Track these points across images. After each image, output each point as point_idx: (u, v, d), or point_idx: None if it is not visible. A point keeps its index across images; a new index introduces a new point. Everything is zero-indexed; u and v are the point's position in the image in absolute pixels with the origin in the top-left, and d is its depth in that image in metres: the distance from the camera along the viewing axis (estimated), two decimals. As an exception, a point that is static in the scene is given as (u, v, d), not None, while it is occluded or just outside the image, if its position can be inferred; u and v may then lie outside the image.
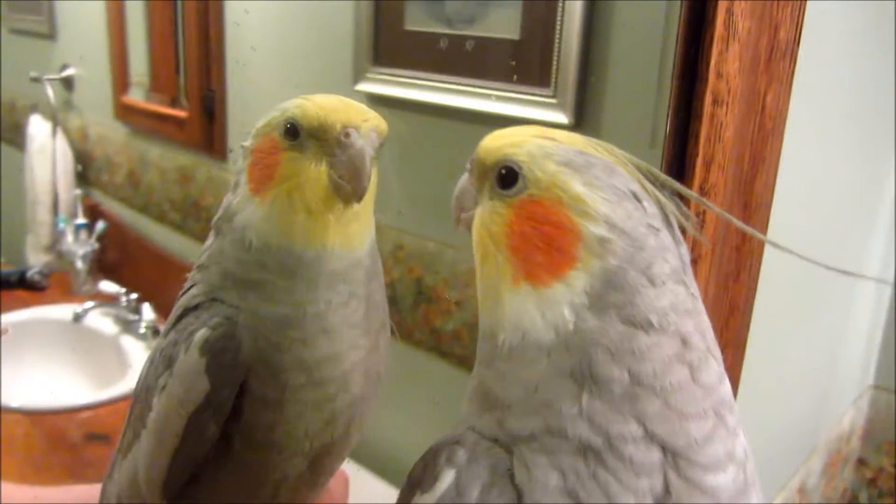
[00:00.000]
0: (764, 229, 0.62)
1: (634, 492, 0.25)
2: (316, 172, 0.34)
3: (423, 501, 0.28)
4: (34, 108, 1.77)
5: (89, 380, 1.39)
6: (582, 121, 0.79)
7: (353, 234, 0.36)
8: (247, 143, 0.37)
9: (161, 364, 0.37)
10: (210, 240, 0.38)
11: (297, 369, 0.36)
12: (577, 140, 0.30)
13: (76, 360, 1.43)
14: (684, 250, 0.28)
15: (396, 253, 0.99)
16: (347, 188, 0.34)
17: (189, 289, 0.39)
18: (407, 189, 0.99)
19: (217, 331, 0.36)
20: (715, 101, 0.48)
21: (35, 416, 1.16)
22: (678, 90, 0.50)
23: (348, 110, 0.35)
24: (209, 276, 0.37)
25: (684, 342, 0.26)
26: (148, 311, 1.37)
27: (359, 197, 0.34)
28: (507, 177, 0.29)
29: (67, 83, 1.73)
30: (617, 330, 0.26)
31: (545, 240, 0.27)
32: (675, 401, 0.26)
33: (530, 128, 0.31)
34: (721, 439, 0.27)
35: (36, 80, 1.69)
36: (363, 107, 0.37)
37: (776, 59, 0.53)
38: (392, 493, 0.97)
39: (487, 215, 0.30)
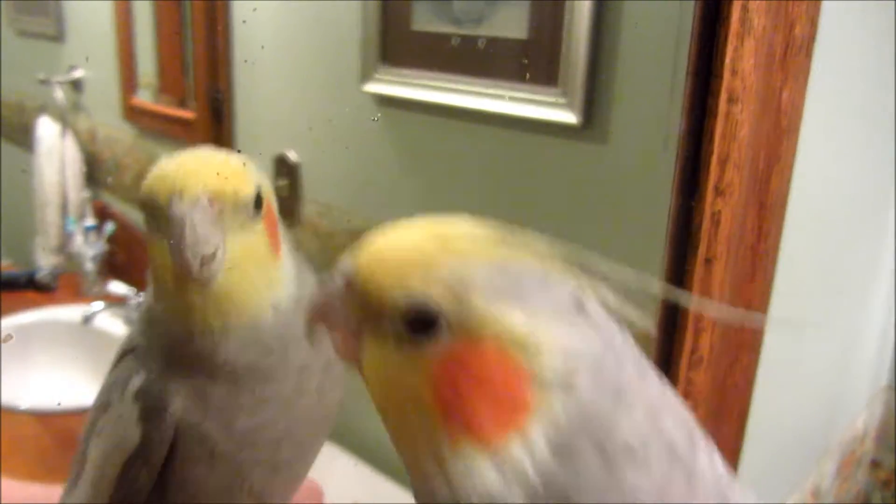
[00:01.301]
0: (779, 230, 0.61)
1: None
2: (163, 253, 0.30)
3: None
4: (42, 110, 1.77)
5: (98, 381, 1.38)
6: (591, 121, 0.78)
7: (235, 314, 0.31)
8: None
9: (99, 409, 0.37)
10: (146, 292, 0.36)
11: (225, 437, 0.34)
12: (489, 245, 0.24)
13: (85, 362, 1.43)
14: (628, 336, 0.24)
15: (405, 254, 0.99)
16: (179, 266, 0.29)
17: (132, 333, 0.38)
18: (414, 189, 0.99)
19: (151, 378, 0.34)
20: (730, 99, 0.47)
21: (44, 418, 1.16)
22: (692, 88, 0.49)
23: (175, 175, 0.30)
24: (145, 328, 0.36)
25: (671, 448, 0.23)
26: (156, 313, 1.37)
27: (194, 275, 0.29)
28: (420, 323, 0.23)
29: (75, 85, 1.73)
30: (598, 471, 0.22)
31: (487, 390, 0.22)
32: None
33: (420, 235, 0.24)
34: None
35: (44, 82, 1.69)
36: (206, 166, 0.31)
37: (792, 55, 0.52)
38: (397, 491, 0.97)
39: (396, 365, 0.24)
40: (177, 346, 0.32)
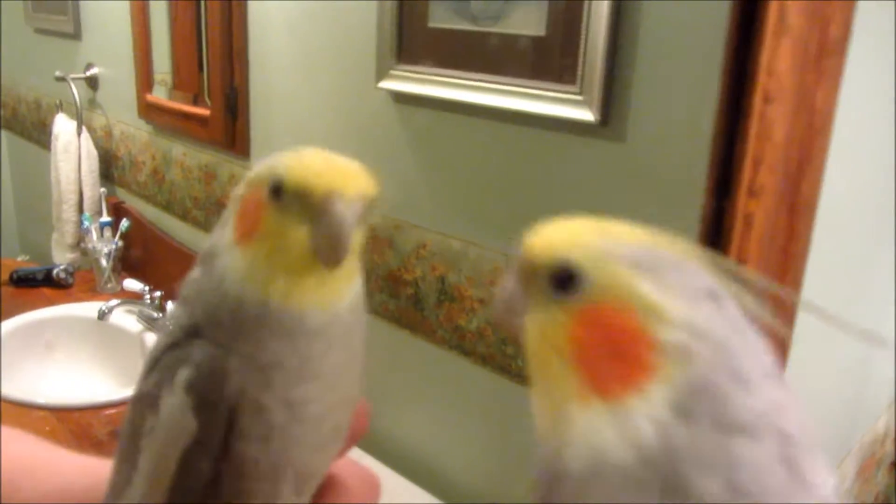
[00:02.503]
0: (809, 232, 0.60)
1: None
2: (297, 234, 0.33)
3: None
4: (59, 108, 1.78)
5: (114, 377, 1.39)
6: (609, 118, 0.77)
7: (332, 294, 0.35)
8: (240, 190, 0.36)
9: (146, 406, 0.37)
10: (196, 272, 0.38)
11: (281, 408, 0.36)
12: (639, 235, 0.27)
13: (101, 358, 1.44)
14: (760, 338, 0.26)
15: (419, 251, 0.98)
16: (326, 254, 0.33)
17: (171, 325, 0.38)
18: (430, 187, 0.98)
19: (201, 369, 0.35)
20: (766, 99, 0.46)
21: (60, 413, 1.17)
22: (726, 87, 0.48)
23: (334, 175, 0.34)
24: (193, 310, 0.37)
25: (784, 437, 0.24)
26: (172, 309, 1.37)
27: (336, 264, 0.34)
28: (566, 281, 0.26)
29: (92, 82, 1.74)
30: (709, 440, 0.24)
31: (616, 350, 0.25)
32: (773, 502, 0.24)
33: (585, 222, 0.28)
34: None
35: (61, 79, 1.70)
36: (353, 169, 0.35)
37: (826, 55, 0.51)
38: (414, 490, 0.97)
39: (544, 324, 0.27)
40: (266, 318, 0.34)
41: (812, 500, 0.24)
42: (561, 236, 0.27)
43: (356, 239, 0.36)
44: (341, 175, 0.34)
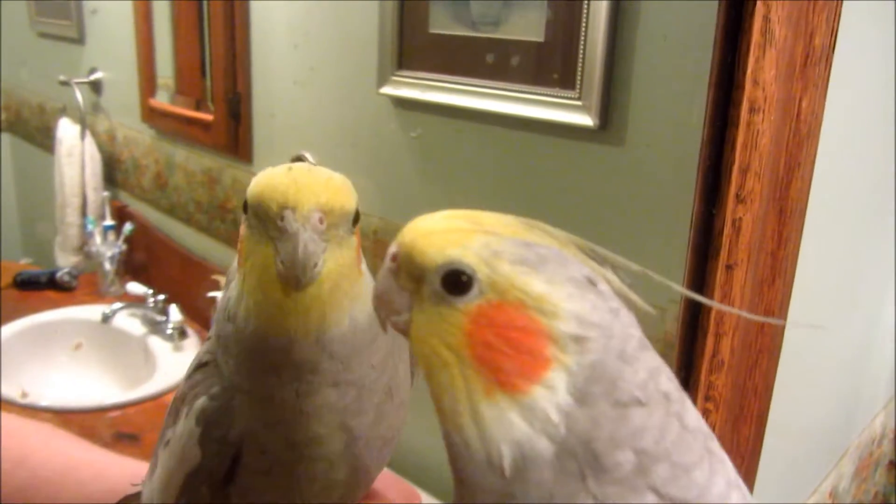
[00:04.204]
0: (798, 237, 0.61)
1: None
2: (265, 255, 0.32)
3: None
4: (63, 112, 1.79)
5: (117, 380, 1.41)
6: (608, 123, 0.78)
7: (316, 321, 0.33)
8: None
9: (171, 417, 0.38)
10: (224, 290, 0.37)
11: (285, 448, 0.35)
12: (515, 228, 0.29)
13: (104, 361, 1.45)
14: (631, 314, 0.28)
15: (422, 255, 0.99)
16: (286, 273, 0.31)
17: (210, 337, 0.39)
18: (430, 191, 1.00)
19: (214, 402, 0.35)
20: (751, 109, 0.47)
21: (64, 416, 1.18)
22: (714, 98, 0.49)
23: (288, 189, 0.31)
24: (219, 321, 0.37)
25: (666, 398, 0.27)
26: (175, 313, 1.39)
27: (297, 286, 0.31)
28: (456, 282, 0.27)
29: (95, 86, 1.75)
30: (610, 417, 0.25)
31: (513, 346, 0.26)
32: (678, 457, 0.26)
33: (455, 217, 0.28)
34: (719, 472, 0.27)
35: (65, 83, 1.71)
36: (317, 182, 0.32)
37: (811, 64, 0.52)
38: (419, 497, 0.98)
39: (436, 324, 0.27)
40: (256, 347, 0.33)
41: (697, 441, 0.27)
42: (442, 234, 0.28)
43: (340, 258, 0.33)
44: (297, 189, 0.31)
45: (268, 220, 0.32)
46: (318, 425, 0.34)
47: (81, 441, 0.52)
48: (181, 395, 0.38)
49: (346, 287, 0.34)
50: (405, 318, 0.29)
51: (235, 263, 0.36)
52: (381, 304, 0.30)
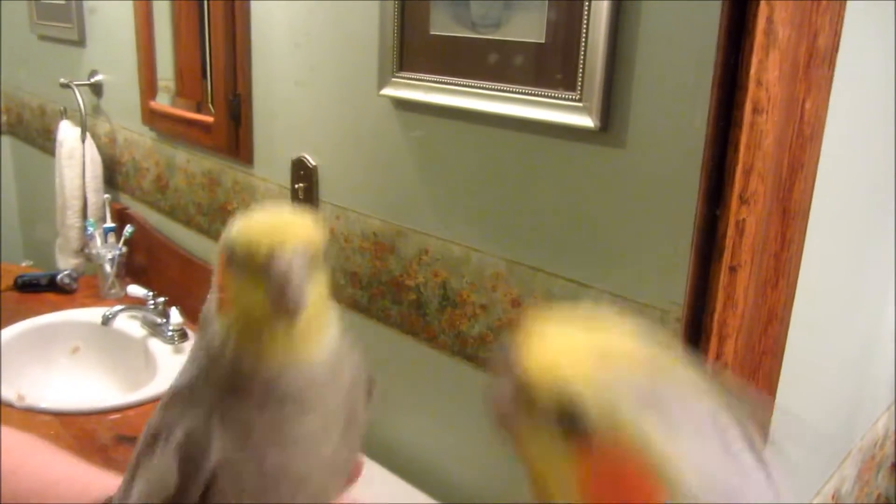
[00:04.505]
0: (801, 238, 0.61)
1: None
2: (255, 296, 0.35)
3: None
4: (63, 114, 1.79)
5: (118, 382, 1.40)
6: (609, 124, 0.78)
7: (302, 351, 0.36)
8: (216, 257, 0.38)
9: (146, 446, 0.39)
10: (198, 335, 0.39)
11: (258, 474, 0.37)
12: (638, 358, 0.27)
13: (105, 363, 1.45)
14: (772, 473, 0.27)
15: (421, 257, 0.99)
16: (279, 308, 0.34)
17: (184, 369, 0.40)
18: (431, 193, 0.99)
19: (192, 434, 0.37)
20: (755, 110, 0.47)
21: (64, 418, 1.18)
22: (717, 98, 0.49)
23: (272, 232, 0.35)
24: (199, 360, 0.39)
25: None
26: (175, 315, 1.38)
27: (292, 317, 0.34)
28: (571, 416, 0.26)
29: (96, 89, 1.75)
30: None
31: (622, 486, 0.25)
32: None
33: (582, 340, 0.27)
34: None
35: (65, 86, 1.71)
36: (294, 221, 0.35)
37: (815, 65, 0.52)
38: (416, 494, 0.98)
39: (546, 448, 0.27)
40: (242, 379, 0.35)
41: None
42: (562, 364, 0.26)
43: (317, 290, 0.35)
44: (280, 230, 0.34)
45: (256, 263, 0.34)
46: (292, 451, 0.37)
47: (65, 454, 0.52)
48: (157, 425, 0.38)
49: (323, 317, 0.36)
50: (516, 424, 0.28)
51: (211, 307, 0.37)
52: (500, 416, 0.29)
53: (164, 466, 0.37)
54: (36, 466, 0.49)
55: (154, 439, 0.39)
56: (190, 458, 0.37)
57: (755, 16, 0.45)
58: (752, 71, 0.46)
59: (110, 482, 0.49)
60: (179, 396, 0.39)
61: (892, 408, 1.19)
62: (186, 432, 0.37)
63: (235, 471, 0.37)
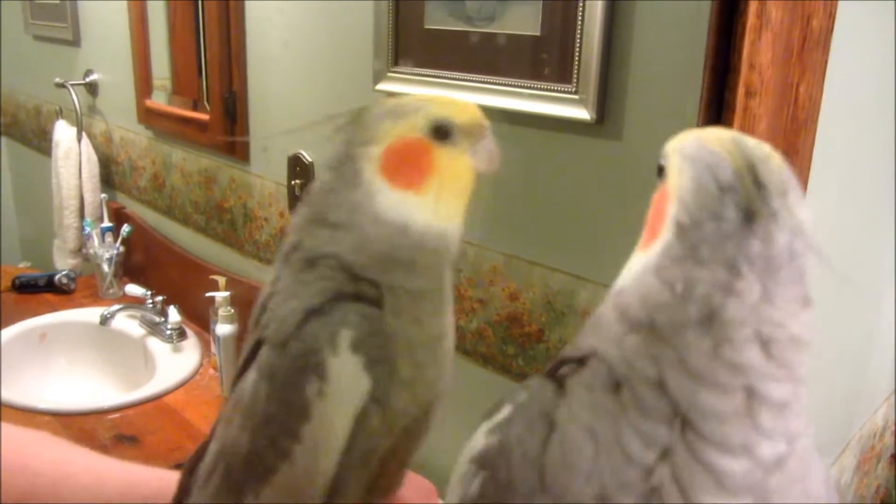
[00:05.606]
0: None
1: (642, 435, 0.27)
2: (466, 164, 0.40)
3: (483, 426, 0.34)
4: (59, 114, 1.79)
5: (117, 382, 1.40)
6: (605, 117, 0.78)
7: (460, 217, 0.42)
8: (366, 148, 0.39)
9: (297, 377, 0.37)
10: (317, 235, 0.39)
11: (426, 345, 0.39)
12: (721, 135, 0.34)
13: (104, 363, 1.45)
14: (757, 242, 0.30)
15: (420, 252, 0.99)
16: (485, 167, 0.41)
17: (299, 294, 0.39)
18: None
19: (363, 327, 0.37)
20: (748, 93, 0.47)
21: (64, 418, 1.18)
22: (710, 82, 0.49)
23: (475, 107, 0.42)
24: (327, 272, 0.38)
25: (712, 316, 0.28)
26: (174, 314, 1.38)
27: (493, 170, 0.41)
28: (660, 168, 0.35)
29: (92, 88, 1.75)
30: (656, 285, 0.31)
31: (657, 213, 0.33)
32: (691, 361, 0.28)
33: (714, 130, 0.34)
34: (740, 429, 0.27)
35: (61, 85, 1.71)
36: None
37: (809, 49, 0.52)
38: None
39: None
40: (426, 247, 0.38)
41: (737, 381, 0.29)
42: (674, 139, 0.37)
43: None
44: (475, 107, 0.41)
45: (476, 135, 0.40)
46: (447, 317, 0.39)
47: (79, 447, 0.52)
48: (302, 352, 0.37)
49: None
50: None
51: (357, 195, 0.38)
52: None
53: (348, 372, 0.37)
54: (50, 460, 0.49)
55: (306, 365, 0.37)
56: (375, 350, 0.37)
57: (747, -3, 0.45)
58: (745, 53, 0.46)
59: (125, 474, 0.48)
60: (319, 308, 0.38)
61: (892, 398, 1.19)
62: (358, 330, 0.37)
63: (412, 342, 0.38)
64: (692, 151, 0.33)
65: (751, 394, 0.28)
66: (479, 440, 0.33)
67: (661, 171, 0.35)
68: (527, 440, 0.31)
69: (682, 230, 0.30)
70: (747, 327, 0.28)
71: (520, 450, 0.31)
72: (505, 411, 0.34)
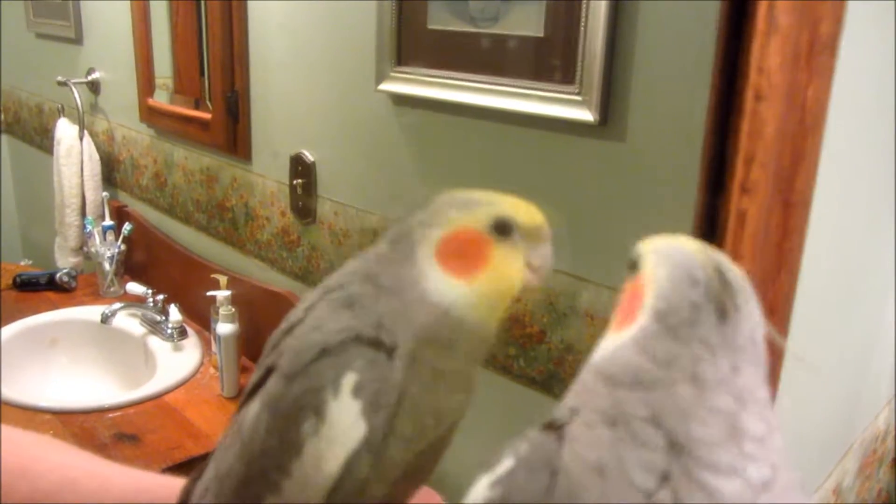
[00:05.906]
0: (803, 228, 0.60)
1: (643, 463, 0.30)
2: (518, 266, 0.40)
3: (483, 479, 0.34)
4: (61, 112, 1.79)
5: (117, 380, 1.40)
6: (608, 118, 0.78)
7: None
8: (432, 229, 0.41)
9: (298, 412, 0.38)
10: (364, 288, 0.40)
11: (434, 414, 0.39)
12: (689, 242, 0.37)
13: (104, 361, 1.45)
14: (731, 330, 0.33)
15: (422, 253, 0.99)
16: (536, 278, 0.41)
17: (315, 334, 0.40)
18: (430, 188, 0.99)
19: (367, 374, 0.38)
20: (756, 97, 0.47)
21: (64, 417, 1.18)
22: (718, 86, 0.49)
23: (534, 208, 0.42)
24: (357, 318, 0.40)
25: (694, 378, 0.32)
26: (175, 312, 1.38)
27: (543, 285, 0.41)
28: (632, 262, 0.37)
29: (94, 87, 1.75)
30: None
31: (632, 300, 0.35)
32: (680, 404, 0.31)
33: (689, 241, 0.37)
34: (729, 453, 0.30)
35: (63, 84, 1.71)
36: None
37: (817, 53, 0.52)
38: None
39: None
40: (461, 332, 0.39)
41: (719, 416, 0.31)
42: (649, 241, 0.39)
43: None
44: (528, 207, 0.42)
45: (537, 237, 0.41)
46: (464, 396, 0.40)
47: (82, 452, 0.51)
48: (307, 390, 0.38)
49: None
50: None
51: (411, 270, 0.40)
52: None
53: (345, 414, 0.37)
54: (53, 465, 0.48)
55: (308, 402, 0.38)
56: (376, 397, 0.38)
57: (756, 2, 0.45)
58: (754, 57, 0.46)
59: (129, 480, 0.48)
60: (329, 349, 0.39)
61: (893, 402, 1.18)
62: (362, 374, 0.38)
63: (418, 409, 0.38)
64: (667, 251, 0.36)
65: (733, 428, 0.31)
66: (481, 493, 0.34)
67: (633, 265, 0.37)
68: (531, 490, 0.32)
69: (659, 315, 0.33)
70: (723, 386, 0.32)
71: (524, 499, 0.32)
72: (507, 463, 0.34)
